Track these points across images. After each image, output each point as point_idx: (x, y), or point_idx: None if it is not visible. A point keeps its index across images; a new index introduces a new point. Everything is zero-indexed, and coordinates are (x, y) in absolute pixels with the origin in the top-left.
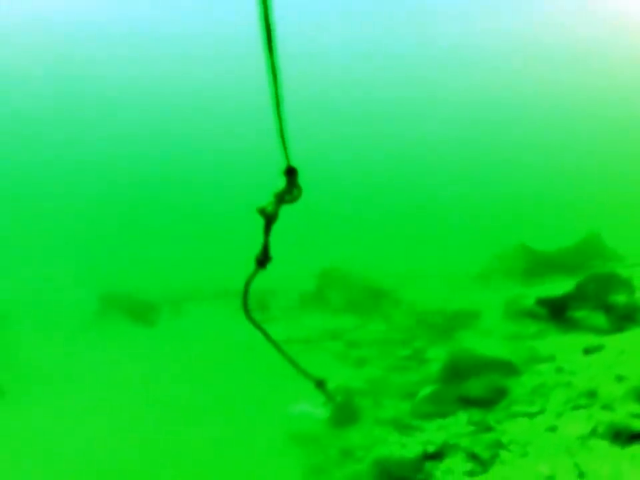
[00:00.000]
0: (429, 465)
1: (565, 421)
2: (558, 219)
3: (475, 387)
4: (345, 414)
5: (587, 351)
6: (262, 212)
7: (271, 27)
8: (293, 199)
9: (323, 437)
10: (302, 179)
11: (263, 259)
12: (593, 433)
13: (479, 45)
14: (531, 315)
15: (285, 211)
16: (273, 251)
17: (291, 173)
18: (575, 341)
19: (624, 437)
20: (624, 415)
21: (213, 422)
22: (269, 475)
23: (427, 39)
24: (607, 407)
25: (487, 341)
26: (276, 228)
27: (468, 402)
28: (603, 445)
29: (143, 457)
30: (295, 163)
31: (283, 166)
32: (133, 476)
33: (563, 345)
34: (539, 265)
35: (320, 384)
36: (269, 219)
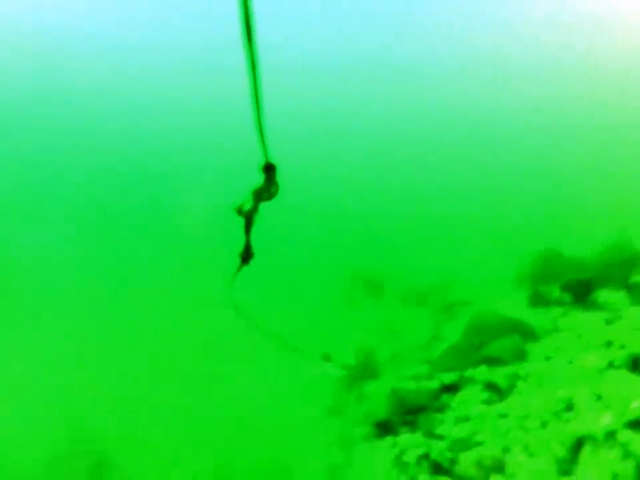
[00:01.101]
0: (445, 397)
1: (582, 356)
2: (587, 223)
3: (495, 347)
4: (364, 371)
5: (608, 322)
6: (239, 211)
7: (250, 22)
8: (271, 196)
9: (343, 388)
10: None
11: (246, 256)
12: (610, 365)
13: (478, 52)
14: (556, 302)
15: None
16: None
17: (269, 169)
18: (596, 316)
19: None
20: None
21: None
22: (293, 416)
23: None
24: (624, 346)
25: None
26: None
27: (487, 360)
28: (620, 374)
29: None
30: (274, 161)
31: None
32: None
33: (584, 319)
34: (569, 270)
35: (326, 357)
36: (248, 218)
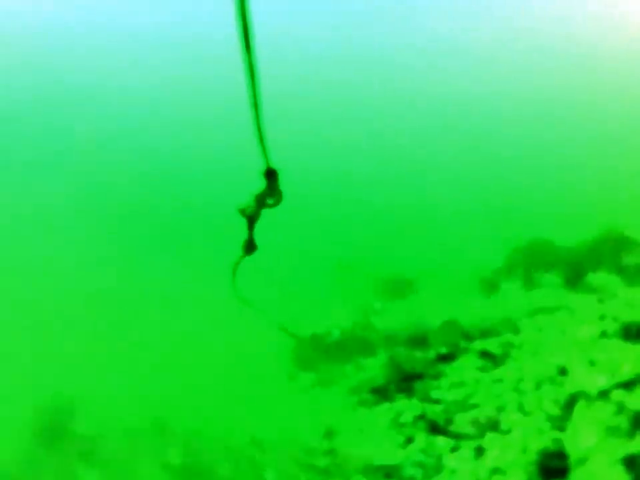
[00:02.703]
0: (440, 365)
1: (575, 327)
2: (577, 212)
3: (489, 321)
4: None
5: (600, 301)
6: (242, 212)
7: (248, 28)
8: (275, 203)
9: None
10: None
11: (249, 248)
12: (603, 334)
13: (473, 41)
14: (549, 285)
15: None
16: None
17: (270, 175)
18: (589, 297)
19: (633, 334)
20: (633, 317)
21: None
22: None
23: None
24: (616, 318)
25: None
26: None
27: (481, 333)
28: (612, 342)
29: None
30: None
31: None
32: None
33: (577, 299)
34: (561, 257)
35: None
36: (250, 219)
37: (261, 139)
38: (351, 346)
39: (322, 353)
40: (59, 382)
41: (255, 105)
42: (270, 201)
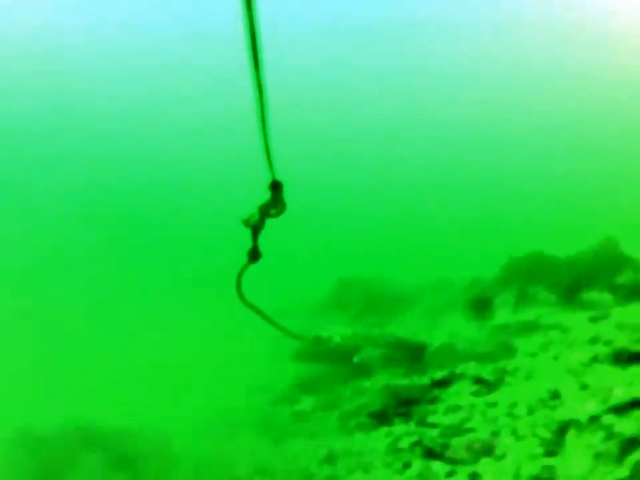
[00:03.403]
0: (436, 391)
1: (568, 352)
2: (572, 225)
3: (484, 345)
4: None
5: (593, 319)
6: (246, 223)
7: (257, 42)
8: (278, 213)
9: (335, 383)
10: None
11: (254, 256)
12: (595, 359)
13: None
14: (543, 302)
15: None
16: None
17: (275, 187)
18: (581, 315)
19: (624, 359)
20: (624, 342)
21: None
22: None
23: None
24: (608, 343)
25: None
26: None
27: (476, 357)
28: (604, 367)
29: None
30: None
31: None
32: None
33: (570, 317)
34: (556, 271)
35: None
36: (255, 229)
37: (267, 151)
38: (350, 351)
39: (323, 356)
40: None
41: (262, 119)
42: (273, 211)
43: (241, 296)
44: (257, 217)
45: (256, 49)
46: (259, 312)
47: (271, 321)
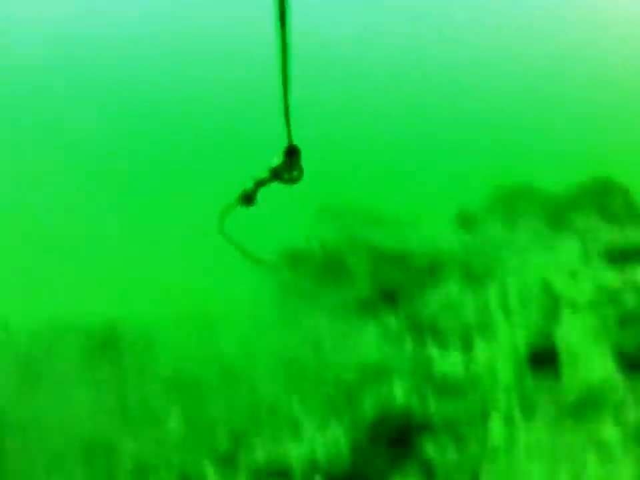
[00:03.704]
0: (424, 280)
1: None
2: (564, 153)
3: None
4: None
5: (583, 241)
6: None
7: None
8: (293, 180)
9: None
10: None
11: (247, 200)
12: (586, 253)
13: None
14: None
15: None
16: None
17: (291, 153)
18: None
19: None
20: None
21: None
22: None
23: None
24: (598, 240)
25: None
26: None
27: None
28: (595, 261)
29: None
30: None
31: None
32: None
33: (559, 239)
34: (542, 201)
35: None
36: (258, 183)
37: (286, 115)
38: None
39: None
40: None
41: (285, 80)
42: (286, 176)
43: (221, 228)
44: (266, 175)
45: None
46: (238, 246)
47: (250, 256)
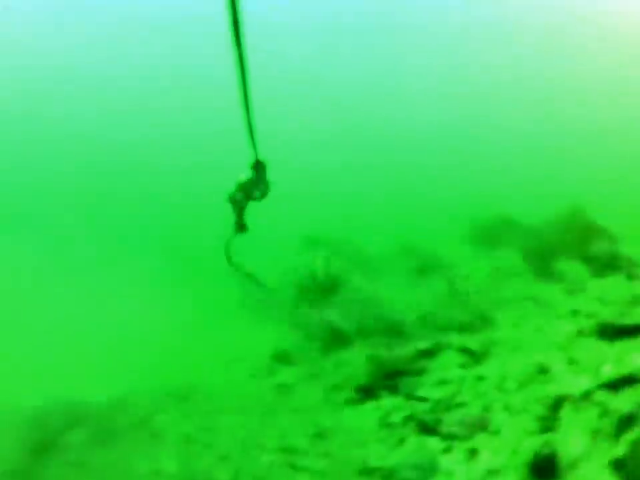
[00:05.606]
0: (422, 361)
1: (552, 324)
2: (539, 193)
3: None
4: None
5: (570, 292)
6: (232, 200)
7: (239, 20)
8: (262, 196)
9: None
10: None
11: (241, 228)
12: (580, 333)
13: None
14: (515, 273)
15: None
16: None
17: (258, 167)
18: (558, 287)
19: (609, 332)
20: (609, 314)
21: None
22: None
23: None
24: (590, 315)
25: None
26: None
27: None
28: (590, 341)
29: None
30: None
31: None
32: None
33: (546, 289)
34: (525, 238)
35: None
36: (240, 207)
37: (251, 132)
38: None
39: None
40: None
41: (245, 98)
42: (257, 194)
43: (229, 260)
44: (240, 195)
45: (237, 25)
46: (249, 275)
47: (259, 283)
